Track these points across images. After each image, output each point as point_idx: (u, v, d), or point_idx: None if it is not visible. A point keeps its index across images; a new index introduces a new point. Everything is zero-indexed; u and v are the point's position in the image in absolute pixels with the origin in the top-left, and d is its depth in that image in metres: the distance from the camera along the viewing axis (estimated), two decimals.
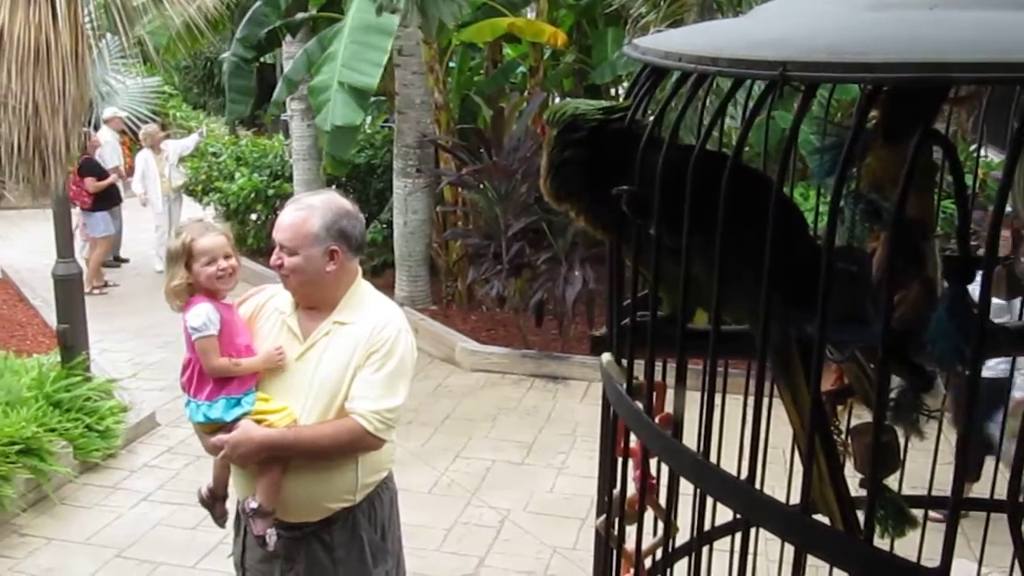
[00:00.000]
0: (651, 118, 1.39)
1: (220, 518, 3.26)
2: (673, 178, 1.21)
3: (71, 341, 6.72)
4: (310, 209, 2.95)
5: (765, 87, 1.07)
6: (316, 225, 2.92)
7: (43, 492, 5.66)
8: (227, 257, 3.00)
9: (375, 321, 2.97)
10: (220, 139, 15.82)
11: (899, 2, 1.05)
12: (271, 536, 2.92)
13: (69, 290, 6.86)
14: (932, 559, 1.86)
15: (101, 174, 10.74)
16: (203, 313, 2.92)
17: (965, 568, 2.10)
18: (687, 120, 1.33)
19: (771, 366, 1.37)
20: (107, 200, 10.88)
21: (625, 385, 1.40)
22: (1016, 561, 1.77)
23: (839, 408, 1.74)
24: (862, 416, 1.74)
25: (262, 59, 12.07)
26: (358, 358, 2.92)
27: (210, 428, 2.96)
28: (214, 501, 3.23)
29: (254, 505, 2.91)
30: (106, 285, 10.91)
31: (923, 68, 0.85)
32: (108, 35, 7.06)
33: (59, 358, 6.73)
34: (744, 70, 1.03)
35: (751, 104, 1.27)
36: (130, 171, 12.04)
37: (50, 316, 8.33)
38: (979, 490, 1.59)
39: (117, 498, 5.86)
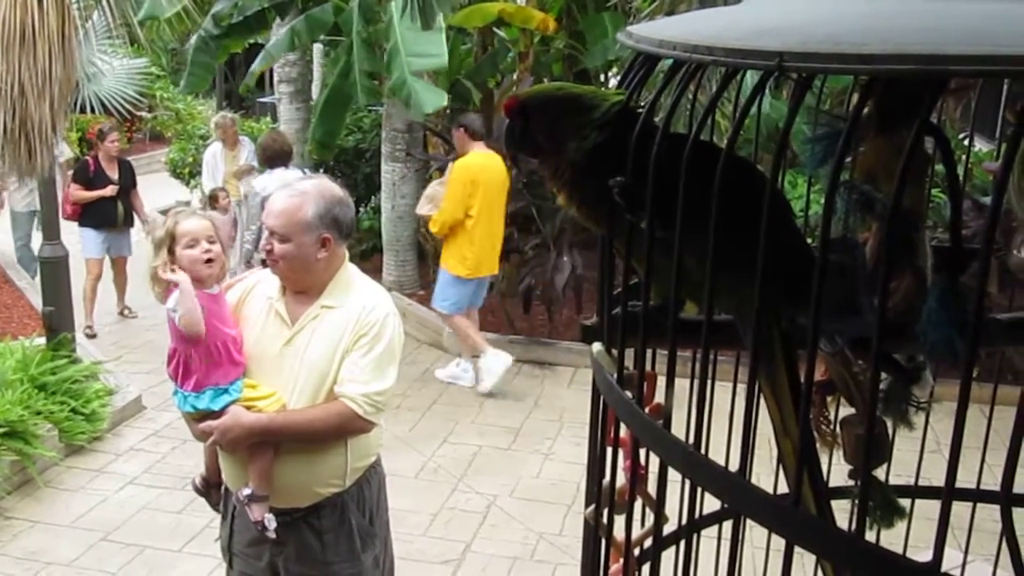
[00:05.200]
0: (644, 108, 1.37)
1: (217, 504, 3.25)
2: (665, 170, 1.21)
3: (57, 324, 6.69)
4: (303, 196, 2.94)
5: (760, 77, 1.06)
6: (309, 213, 2.91)
7: (28, 475, 5.64)
8: (211, 241, 2.96)
9: (363, 304, 2.97)
10: (207, 122, 15.75)
11: None
12: (270, 521, 2.91)
13: (55, 272, 6.82)
14: (916, 547, 1.87)
15: (89, 183, 8.67)
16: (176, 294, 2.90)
17: (950, 557, 2.11)
18: (678, 110, 1.32)
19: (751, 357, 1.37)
20: (96, 217, 8.71)
21: (616, 375, 1.40)
22: (1000, 551, 1.78)
23: (828, 399, 1.74)
24: (850, 407, 1.74)
25: (254, 40, 11.94)
26: (347, 342, 2.92)
27: (198, 416, 2.95)
28: (208, 488, 3.23)
29: (247, 492, 2.90)
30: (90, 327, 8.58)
31: (922, 60, 0.84)
32: (95, 15, 7.00)
33: (44, 341, 6.70)
34: (740, 60, 1.02)
35: (743, 95, 1.26)
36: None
37: (35, 299, 8.28)
38: (966, 479, 1.60)
39: (103, 481, 5.84)
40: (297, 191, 2.97)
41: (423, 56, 7.87)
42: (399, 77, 7.85)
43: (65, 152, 9.49)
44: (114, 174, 8.75)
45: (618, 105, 1.41)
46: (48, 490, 5.67)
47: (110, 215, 8.71)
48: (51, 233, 6.91)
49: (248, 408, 2.89)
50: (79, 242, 8.64)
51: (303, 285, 3.00)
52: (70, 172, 9.13)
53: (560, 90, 1.53)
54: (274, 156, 7.41)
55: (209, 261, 2.95)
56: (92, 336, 8.42)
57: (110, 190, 8.63)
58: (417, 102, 7.63)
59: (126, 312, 9.02)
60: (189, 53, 10.19)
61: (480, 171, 7.04)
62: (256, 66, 9.88)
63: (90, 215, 8.65)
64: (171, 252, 2.94)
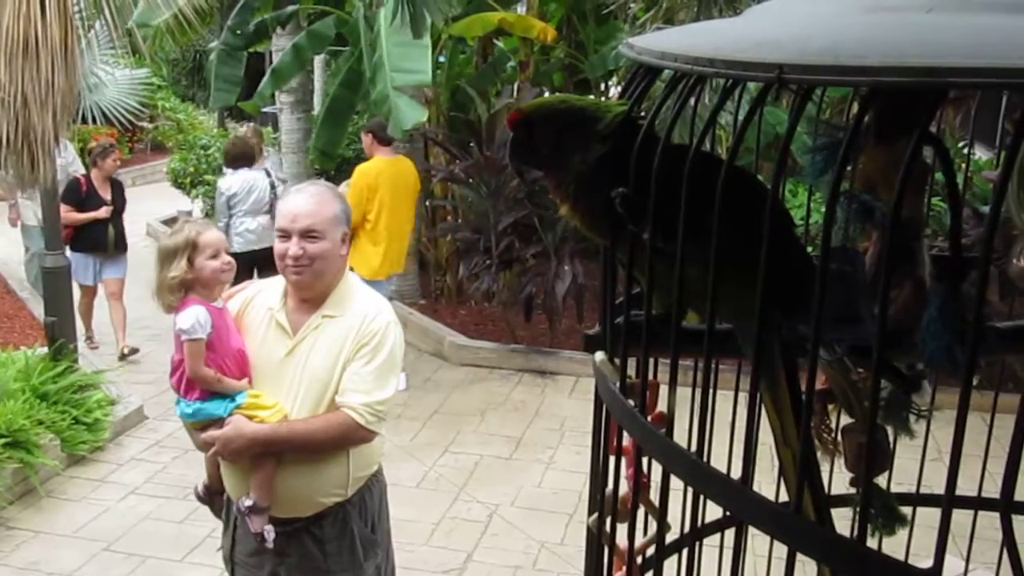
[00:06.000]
0: (646, 119, 1.38)
1: (220, 512, 3.26)
2: (667, 182, 1.22)
3: (59, 333, 6.70)
4: (321, 195, 2.99)
5: (761, 89, 1.07)
6: (337, 208, 2.98)
7: (30, 485, 5.65)
8: (227, 252, 3.02)
9: (364, 313, 2.98)
10: (209, 131, 15.79)
11: (896, 5, 1.05)
12: (269, 533, 2.92)
13: (57, 282, 6.84)
14: (918, 555, 1.87)
15: (81, 205, 8.10)
16: (193, 316, 2.90)
17: (952, 565, 2.12)
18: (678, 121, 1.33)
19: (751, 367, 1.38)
20: (87, 241, 8.14)
21: (618, 384, 1.41)
22: (1001, 559, 1.79)
23: (829, 407, 1.75)
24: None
25: (252, 50, 11.97)
26: (348, 351, 2.93)
27: (200, 425, 2.96)
28: (211, 496, 3.23)
29: (248, 503, 2.90)
30: (89, 338, 8.48)
31: (920, 72, 0.86)
32: (97, 25, 7.02)
33: (46, 350, 6.71)
34: (740, 72, 1.03)
35: (743, 105, 1.27)
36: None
37: (37, 308, 8.28)
38: (967, 487, 1.61)
39: (105, 491, 5.85)
40: (314, 192, 3.00)
41: (406, 72, 7.87)
42: (382, 91, 7.87)
43: (78, 167, 9.00)
44: (107, 194, 8.25)
45: (621, 116, 1.42)
46: (50, 500, 5.68)
47: (101, 239, 8.16)
48: (53, 244, 6.92)
49: (250, 418, 2.90)
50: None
51: (318, 290, 3.00)
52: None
53: (563, 102, 1.54)
54: (237, 157, 8.11)
55: (226, 271, 3.00)
56: (95, 348, 8.30)
57: (104, 211, 8.12)
58: (397, 118, 7.67)
59: (125, 350, 8.18)
60: (212, 68, 10.20)
61: (378, 176, 7.29)
62: (266, 87, 9.91)
63: (81, 239, 8.08)
64: (190, 261, 2.96)
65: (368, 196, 7.19)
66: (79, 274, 8.01)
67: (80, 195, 8.09)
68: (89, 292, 8.38)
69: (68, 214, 7.82)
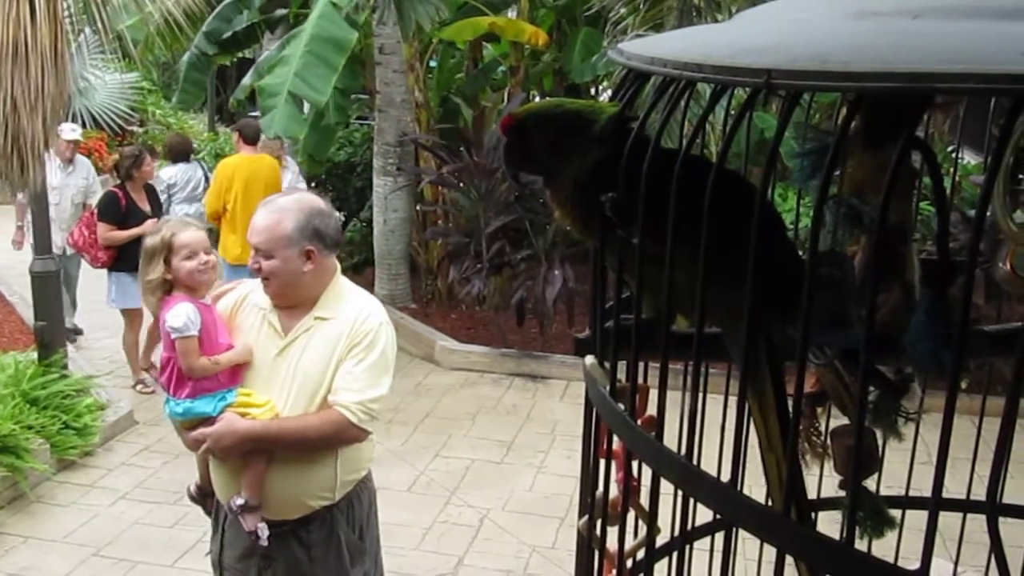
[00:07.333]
0: (637, 123, 1.38)
1: (211, 512, 3.25)
2: (656, 186, 1.22)
3: (48, 338, 6.67)
4: (282, 211, 2.94)
5: (749, 94, 1.08)
6: (289, 227, 2.91)
7: (20, 490, 5.62)
8: (207, 252, 3.00)
9: (356, 314, 2.98)
10: (199, 136, 15.76)
11: (883, 11, 1.06)
12: (263, 531, 2.91)
13: (46, 287, 6.80)
14: (907, 558, 1.88)
15: (122, 221, 7.24)
16: (183, 313, 2.90)
17: (941, 568, 2.13)
18: (668, 125, 1.33)
19: (739, 371, 1.38)
20: (133, 259, 6.37)
21: (608, 387, 1.41)
22: (990, 562, 1.79)
23: (818, 411, 1.75)
24: (840, 418, 1.75)
25: (242, 54, 11.99)
26: (340, 351, 2.93)
27: (190, 424, 2.95)
28: (204, 497, 3.22)
29: (240, 502, 2.90)
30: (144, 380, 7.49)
31: (907, 78, 0.86)
32: (87, 29, 7.00)
33: (36, 355, 6.68)
34: (729, 77, 1.04)
35: (732, 110, 1.28)
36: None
37: (27, 313, 8.24)
38: (956, 490, 1.62)
39: (94, 496, 5.82)
40: (276, 207, 2.97)
41: (306, 83, 7.92)
42: (275, 86, 7.92)
43: (97, 189, 8.49)
44: (146, 205, 7.44)
45: (615, 118, 1.42)
46: (40, 505, 5.65)
47: None
48: (42, 248, 6.88)
49: (242, 416, 2.90)
50: (108, 290, 7.51)
51: (294, 300, 2.99)
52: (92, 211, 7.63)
53: (558, 106, 1.53)
54: (178, 153, 8.83)
55: (204, 270, 2.98)
56: (150, 391, 7.13)
57: (150, 225, 6.67)
58: (270, 120, 7.78)
59: (146, 377, 7.40)
60: (182, 70, 10.28)
61: (235, 171, 7.73)
62: (247, 81, 9.91)
63: (125, 257, 7.02)
64: (167, 262, 2.95)
65: (226, 187, 7.63)
66: (125, 297, 7.26)
67: (120, 211, 7.29)
68: (139, 317, 7.37)
69: (110, 233, 7.21)
